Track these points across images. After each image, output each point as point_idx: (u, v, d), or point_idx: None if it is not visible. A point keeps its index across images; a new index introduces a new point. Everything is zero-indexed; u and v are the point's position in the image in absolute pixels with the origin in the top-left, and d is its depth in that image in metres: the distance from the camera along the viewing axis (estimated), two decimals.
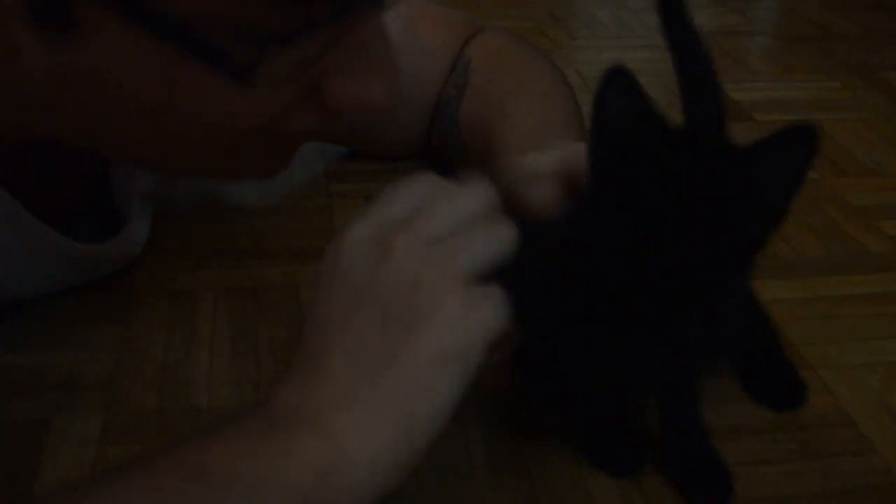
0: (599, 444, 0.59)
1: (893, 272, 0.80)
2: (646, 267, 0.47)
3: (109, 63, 0.47)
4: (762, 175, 0.47)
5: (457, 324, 0.47)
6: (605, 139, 0.49)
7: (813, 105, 1.14)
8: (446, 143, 0.86)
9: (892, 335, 0.72)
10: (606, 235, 0.49)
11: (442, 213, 0.50)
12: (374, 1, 0.50)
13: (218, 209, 0.86)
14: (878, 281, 0.79)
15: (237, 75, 0.47)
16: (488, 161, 0.73)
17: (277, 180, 0.80)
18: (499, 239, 0.50)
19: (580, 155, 0.53)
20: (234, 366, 0.66)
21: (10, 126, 0.54)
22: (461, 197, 0.51)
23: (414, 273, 0.48)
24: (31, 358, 0.67)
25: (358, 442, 0.46)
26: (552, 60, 0.88)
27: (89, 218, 0.70)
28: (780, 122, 0.46)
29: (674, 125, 0.50)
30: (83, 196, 0.70)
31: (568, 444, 0.60)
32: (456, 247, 0.49)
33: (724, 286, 0.49)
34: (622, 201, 0.48)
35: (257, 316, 0.71)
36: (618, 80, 0.48)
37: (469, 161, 0.81)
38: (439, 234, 0.49)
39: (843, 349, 0.70)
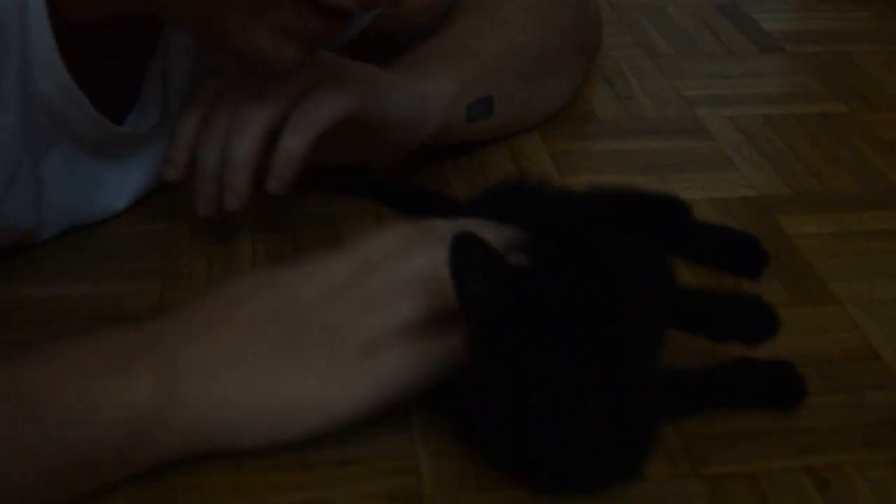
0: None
1: None
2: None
3: None
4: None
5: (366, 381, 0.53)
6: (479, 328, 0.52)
7: (843, 36, 1.13)
8: None
9: None
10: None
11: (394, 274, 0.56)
12: None
13: None
14: None
15: None
16: None
17: None
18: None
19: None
20: None
21: None
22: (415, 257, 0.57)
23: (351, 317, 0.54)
24: (78, 289, 0.68)
25: (197, 403, 0.51)
26: None
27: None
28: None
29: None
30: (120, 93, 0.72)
31: None
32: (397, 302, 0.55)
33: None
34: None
35: (293, 243, 0.73)
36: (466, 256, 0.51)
37: None
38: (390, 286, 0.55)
39: (872, 285, 0.71)
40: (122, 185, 0.74)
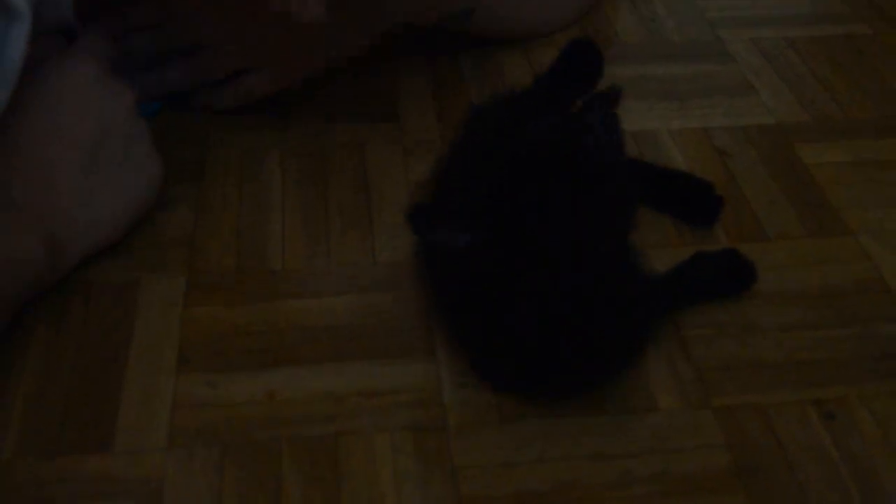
0: None
1: None
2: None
3: None
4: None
5: None
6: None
7: None
8: None
9: None
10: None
11: None
12: None
13: None
14: None
15: None
16: None
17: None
18: None
19: None
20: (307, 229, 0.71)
21: None
22: None
23: None
24: None
25: None
26: None
27: None
28: None
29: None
30: None
31: None
32: None
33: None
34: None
35: (326, 176, 0.75)
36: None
37: None
38: None
39: (886, 215, 0.72)
40: None
